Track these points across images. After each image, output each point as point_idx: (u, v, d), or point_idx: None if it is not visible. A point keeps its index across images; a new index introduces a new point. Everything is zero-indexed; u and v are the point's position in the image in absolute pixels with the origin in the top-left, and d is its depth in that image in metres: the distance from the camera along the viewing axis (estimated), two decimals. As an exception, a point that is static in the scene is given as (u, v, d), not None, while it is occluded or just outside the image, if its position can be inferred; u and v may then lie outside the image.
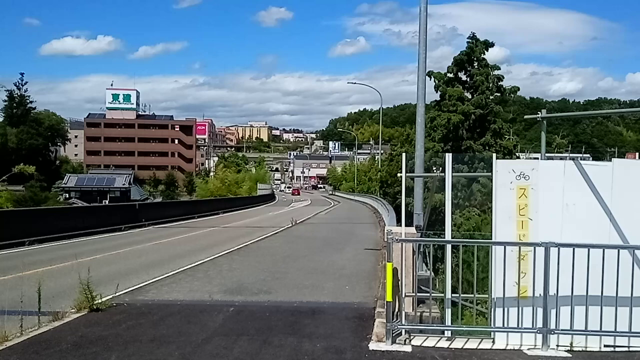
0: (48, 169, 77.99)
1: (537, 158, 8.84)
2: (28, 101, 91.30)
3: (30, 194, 48.54)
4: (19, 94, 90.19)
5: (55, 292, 9.74)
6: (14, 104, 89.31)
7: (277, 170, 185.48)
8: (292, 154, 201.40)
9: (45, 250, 17.75)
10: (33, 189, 52.31)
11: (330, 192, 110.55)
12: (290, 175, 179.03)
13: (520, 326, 6.86)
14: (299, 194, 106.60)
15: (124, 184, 66.65)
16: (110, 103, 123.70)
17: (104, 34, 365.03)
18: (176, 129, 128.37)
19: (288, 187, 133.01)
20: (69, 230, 21.61)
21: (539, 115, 7.71)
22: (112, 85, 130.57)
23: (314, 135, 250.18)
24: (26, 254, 16.67)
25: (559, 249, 6.53)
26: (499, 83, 37.68)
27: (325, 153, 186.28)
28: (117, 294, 9.47)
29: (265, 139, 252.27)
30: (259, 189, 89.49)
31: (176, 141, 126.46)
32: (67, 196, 62.11)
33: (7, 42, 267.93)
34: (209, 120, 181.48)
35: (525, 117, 9.66)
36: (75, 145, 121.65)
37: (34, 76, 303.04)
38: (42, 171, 62.68)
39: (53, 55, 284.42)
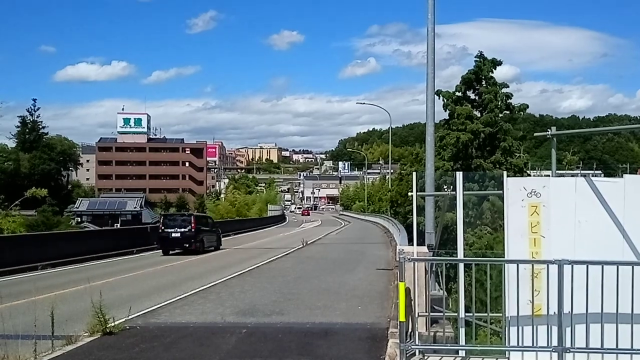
0: (60, 194, 78.58)
1: (549, 175, 8.81)
2: (40, 127, 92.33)
3: (42, 219, 48.76)
4: (31, 119, 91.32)
5: (68, 316, 9.77)
6: (27, 130, 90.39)
7: (287, 191, 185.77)
8: (301, 174, 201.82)
9: (58, 274, 17.85)
10: (45, 214, 52.56)
11: (340, 212, 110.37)
12: (301, 196, 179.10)
13: (535, 345, 6.79)
14: (309, 215, 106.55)
15: (135, 207, 66.83)
16: (122, 127, 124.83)
17: (118, 59, 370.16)
18: (187, 152, 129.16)
19: (298, 208, 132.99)
20: (82, 254, 21.74)
21: (549, 132, 7.72)
22: (123, 109, 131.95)
23: (323, 156, 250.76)
24: (39, 278, 16.76)
25: (572, 266, 6.47)
26: (508, 101, 37.66)
27: (335, 173, 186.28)
28: (129, 317, 9.50)
29: (275, 160, 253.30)
30: (270, 210, 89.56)
31: (187, 164, 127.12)
32: (79, 220, 62.27)
33: (23, 69, 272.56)
34: (220, 143, 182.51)
35: (535, 134, 9.65)
36: (87, 170, 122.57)
37: (48, 102, 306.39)
38: (54, 196, 63.24)
39: (67, 82, 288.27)
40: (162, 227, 26.35)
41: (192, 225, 26.04)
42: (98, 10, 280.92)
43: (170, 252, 25.73)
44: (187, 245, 25.86)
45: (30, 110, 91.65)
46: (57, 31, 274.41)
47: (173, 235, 25.73)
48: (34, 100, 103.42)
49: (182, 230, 25.72)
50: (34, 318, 7.80)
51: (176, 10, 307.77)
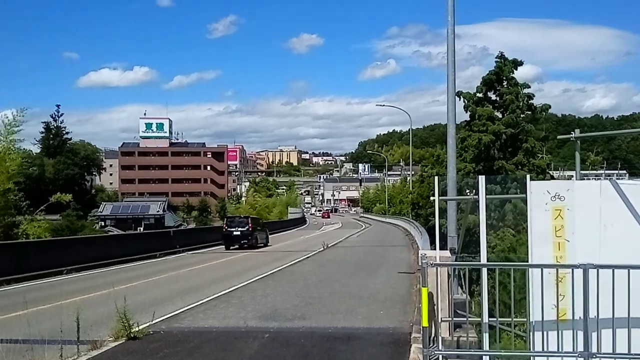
0: (84, 198, 79.72)
1: (572, 176, 8.69)
2: (64, 132, 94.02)
3: (67, 223, 49.55)
4: (55, 125, 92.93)
5: (93, 321, 9.89)
6: (51, 135, 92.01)
7: (307, 193, 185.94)
8: (321, 177, 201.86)
9: (82, 279, 18.09)
10: (69, 218, 53.41)
11: (361, 215, 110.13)
12: (321, 198, 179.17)
13: (560, 350, 6.70)
14: (329, 217, 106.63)
15: (158, 211, 67.42)
16: (144, 132, 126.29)
17: (140, 65, 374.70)
18: (208, 156, 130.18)
19: (318, 211, 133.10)
20: (106, 259, 22.00)
21: (572, 135, 7.61)
22: (145, 114, 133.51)
23: (343, 158, 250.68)
24: (64, 283, 17.03)
25: (597, 270, 6.38)
26: (530, 101, 37.26)
27: (355, 175, 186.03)
28: (153, 321, 9.59)
29: (295, 163, 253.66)
30: (290, 213, 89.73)
31: (208, 167, 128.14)
32: (103, 224, 63.07)
33: (47, 75, 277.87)
34: (240, 146, 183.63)
35: (559, 137, 9.53)
36: (110, 174, 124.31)
37: (71, 108, 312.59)
38: (78, 200, 64.06)
39: (90, 87, 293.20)
40: (226, 227, 32.13)
41: (249, 225, 31.83)
42: (120, 16, 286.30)
43: (231, 247, 30.70)
44: (245, 242, 30.99)
45: (54, 116, 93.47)
46: (80, 38, 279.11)
47: (234, 233, 31.24)
48: (58, 106, 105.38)
49: (241, 229, 31.29)
50: (60, 323, 7.92)
51: (197, 15, 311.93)
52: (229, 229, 31.68)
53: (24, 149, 26.24)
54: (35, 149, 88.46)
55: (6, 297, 13.94)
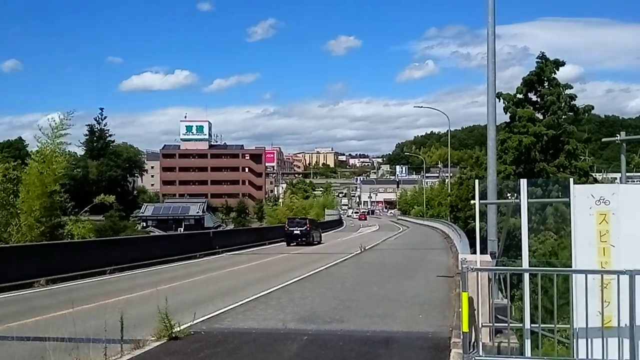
0: (126, 199, 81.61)
1: (615, 179, 8.50)
2: (107, 135, 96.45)
3: (109, 224, 50.77)
4: (98, 128, 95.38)
5: (136, 321, 10.09)
6: (94, 138, 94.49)
7: (344, 195, 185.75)
8: (358, 179, 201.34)
9: (125, 279, 18.48)
10: (112, 219, 54.72)
11: (398, 217, 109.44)
12: (357, 200, 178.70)
13: (605, 358, 6.55)
14: (366, 219, 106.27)
15: (197, 212, 68.52)
16: (184, 134, 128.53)
17: (181, 68, 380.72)
18: (246, 158, 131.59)
19: (355, 213, 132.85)
20: (147, 259, 22.41)
21: (618, 137, 7.44)
22: (185, 117, 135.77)
23: (380, 160, 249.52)
24: (107, 282, 17.45)
25: (645, 277, 6.22)
26: (572, 102, 36.48)
27: (392, 177, 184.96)
28: (194, 322, 9.74)
29: (332, 165, 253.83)
30: (327, 215, 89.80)
31: (246, 169, 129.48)
32: (145, 225, 64.43)
33: (91, 79, 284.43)
34: (278, 148, 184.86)
35: (603, 139, 9.33)
36: (152, 176, 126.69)
37: (114, 111, 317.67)
38: (121, 201, 65.61)
39: (133, 91, 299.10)
40: (287, 227, 37.02)
41: (307, 225, 37.30)
42: (162, 21, 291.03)
43: (290, 244, 35.32)
44: (303, 239, 35.91)
45: (97, 119, 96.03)
46: (123, 42, 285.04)
47: (295, 232, 36.22)
48: (101, 109, 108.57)
49: (300, 228, 36.51)
50: (104, 322, 8.12)
51: (237, 19, 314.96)
52: (290, 228, 36.43)
53: (69, 151, 26.91)
54: (80, 151, 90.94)
55: (53, 296, 14.36)
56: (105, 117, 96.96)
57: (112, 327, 8.16)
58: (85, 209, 28.20)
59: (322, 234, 53.32)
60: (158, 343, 8.52)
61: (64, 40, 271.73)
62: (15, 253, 17.57)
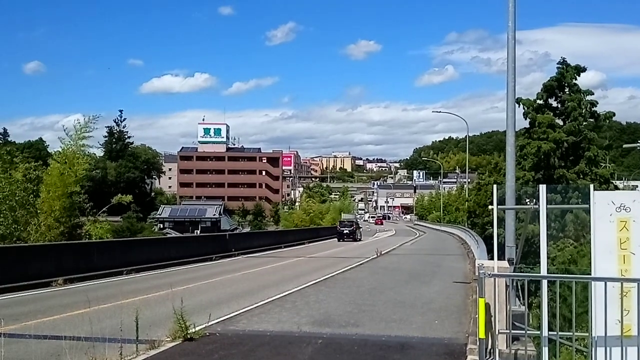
0: (144, 201, 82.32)
1: (637, 186, 8.36)
2: (126, 136, 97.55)
3: (127, 225, 51.22)
4: (118, 130, 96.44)
5: (151, 321, 10.15)
6: (114, 139, 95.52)
7: (361, 200, 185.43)
8: (375, 183, 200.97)
9: (141, 279, 18.60)
10: (130, 220, 55.22)
11: (415, 222, 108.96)
12: (374, 205, 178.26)
13: (624, 368, 6.44)
14: (382, 224, 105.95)
15: (214, 215, 68.77)
16: (202, 137, 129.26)
17: (200, 71, 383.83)
18: (263, 161, 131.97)
19: (372, 217, 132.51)
20: (164, 260, 22.57)
21: (639, 144, 7.34)
22: (203, 119, 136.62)
23: (397, 165, 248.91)
24: (124, 283, 17.58)
25: (666, 286, 6.11)
26: (593, 109, 36.00)
27: (410, 182, 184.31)
28: (209, 323, 9.76)
29: (349, 169, 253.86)
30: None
31: (263, 172, 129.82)
32: (162, 226, 64.83)
33: (113, 82, 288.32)
34: (295, 152, 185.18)
35: (625, 146, 9.23)
36: (170, 178, 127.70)
37: (134, 113, 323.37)
38: (138, 202, 66.19)
39: (153, 93, 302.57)
40: (339, 227, 50.50)
41: (354, 226, 50.24)
42: (183, 24, 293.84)
43: (340, 240, 47.33)
44: (351, 237, 48.18)
45: (117, 120, 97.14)
46: (144, 45, 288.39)
47: (345, 231, 48.87)
48: (121, 111, 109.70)
49: (349, 228, 49.42)
50: (120, 322, 8.18)
51: (257, 22, 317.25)
52: (341, 228, 49.81)
53: (89, 153, 27.23)
54: (99, 152, 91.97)
55: (70, 295, 14.51)
56: (124, 119, 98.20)
57: (128, 327, 8.21)
58: (103, 209, 28.50)
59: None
60: (173, 344, 8.55)
61: (87, 42, 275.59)
62: (34, 252, 17.77)
